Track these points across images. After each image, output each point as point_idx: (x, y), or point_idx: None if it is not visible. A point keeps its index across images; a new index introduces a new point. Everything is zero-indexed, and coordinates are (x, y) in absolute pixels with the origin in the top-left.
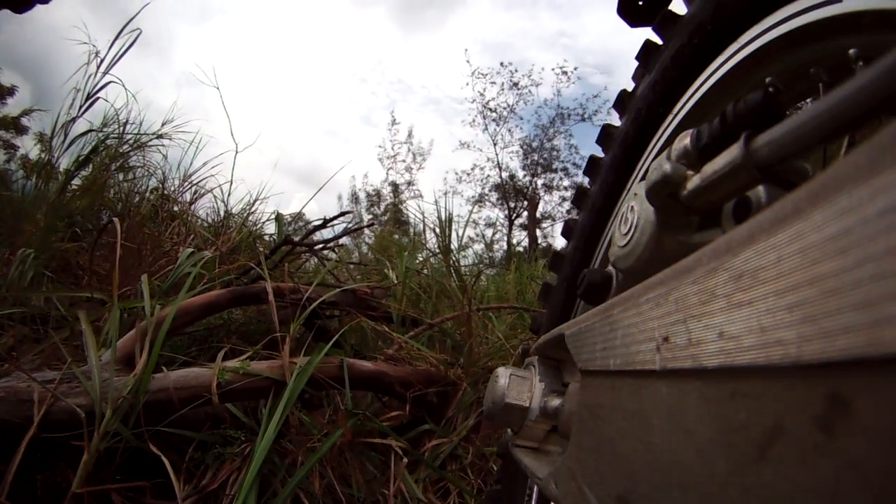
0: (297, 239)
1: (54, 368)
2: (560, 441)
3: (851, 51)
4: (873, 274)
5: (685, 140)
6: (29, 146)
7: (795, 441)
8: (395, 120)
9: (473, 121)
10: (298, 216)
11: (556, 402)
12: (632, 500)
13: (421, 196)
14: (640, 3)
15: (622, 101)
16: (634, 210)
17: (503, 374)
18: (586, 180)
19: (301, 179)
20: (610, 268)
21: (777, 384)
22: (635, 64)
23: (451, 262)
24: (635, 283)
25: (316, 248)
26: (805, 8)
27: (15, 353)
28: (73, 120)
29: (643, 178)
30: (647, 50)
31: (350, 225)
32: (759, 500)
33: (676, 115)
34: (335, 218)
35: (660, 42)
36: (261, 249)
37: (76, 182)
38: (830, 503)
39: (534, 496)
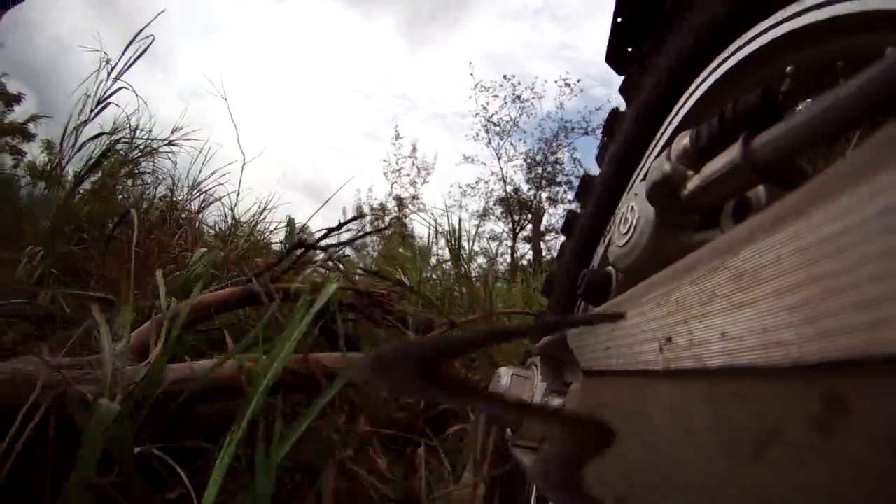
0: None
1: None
2: None
3: (789, 68)
4: (872, 274)
5: (684, 140)
6: (36, 153)
7: (796, 441)
8: (398, 134)
9: (477, 135)
10: (303, 229)
11: (557, 401)
12: (631, 500)
13: (425, 210)
14: (630, 49)
15: (585, 188)
16: (634, 210)
17: (505, 374)
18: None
19: (307, 194)
20: (609, 267)
21: (778, 384)
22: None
23: (462, 268)
24: (635, 283)
25: (329, 250)
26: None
27: (20, 350)
28: (84, 123)
29: (644, 178)
30: (613, 118)
31: (359, 231)
32: (759, 500)
33: (642, 168)
34: (348, 222)
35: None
36: (273, 254)
37: (85, 187)
38: (830, 503)
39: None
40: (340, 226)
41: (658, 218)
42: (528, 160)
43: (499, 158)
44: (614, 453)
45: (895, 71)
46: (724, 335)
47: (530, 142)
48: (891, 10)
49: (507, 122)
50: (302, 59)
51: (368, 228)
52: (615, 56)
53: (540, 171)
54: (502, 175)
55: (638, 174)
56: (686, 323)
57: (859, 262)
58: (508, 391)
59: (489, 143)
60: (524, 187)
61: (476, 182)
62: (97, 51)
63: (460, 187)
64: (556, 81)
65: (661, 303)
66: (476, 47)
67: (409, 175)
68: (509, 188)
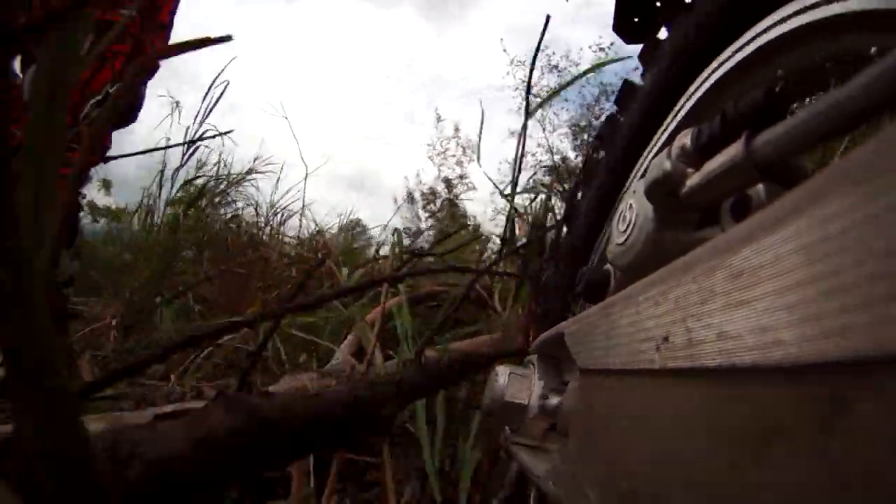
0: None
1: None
2: (559, 439)
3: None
4: (874, 273)
5: (685, 138)
6: (94, 193)
7: (795, 441)
8: (439, 117)
9: (518, 108)
10: (356, 223)
11: (555, 400)
12: (630, 499)
13: (475, 188)
14: (636, 20)
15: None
16: (633, 208)
17: (502, 373)
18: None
19: (351, 186)
20: (608, 265)
21: (777, 384)
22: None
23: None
24: (634, 281)
25: (441, 256)
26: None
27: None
28: (178, 169)
29: (642, 176)
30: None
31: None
32: (759, 500)
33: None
34: (454, 232)
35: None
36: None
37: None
38: (830, 503)
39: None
40: (448, 235)
41: (657, 216)
42: (573, 127)
43: (543, 129)
44: (614, 452)
45: None
46: (722, 334)
47: (572, 108)
48: None
49: (547, 91)
50: (327, 55)
51: (422, 213)
52: (622, 26)
53: (585, 137)
54: (549, 145)
55: (636, 172)
56: (684, 322)
57: (861, 261)
58: (506, 389)
59: (530, 114)
60: (571, 155)
61: (523, 155)
62: (162, 96)
63: (508, 162)
64: (590, 47)
65: (659, 301)
66: (498, 21)
67: (454, 156)
68: (557, 158)
